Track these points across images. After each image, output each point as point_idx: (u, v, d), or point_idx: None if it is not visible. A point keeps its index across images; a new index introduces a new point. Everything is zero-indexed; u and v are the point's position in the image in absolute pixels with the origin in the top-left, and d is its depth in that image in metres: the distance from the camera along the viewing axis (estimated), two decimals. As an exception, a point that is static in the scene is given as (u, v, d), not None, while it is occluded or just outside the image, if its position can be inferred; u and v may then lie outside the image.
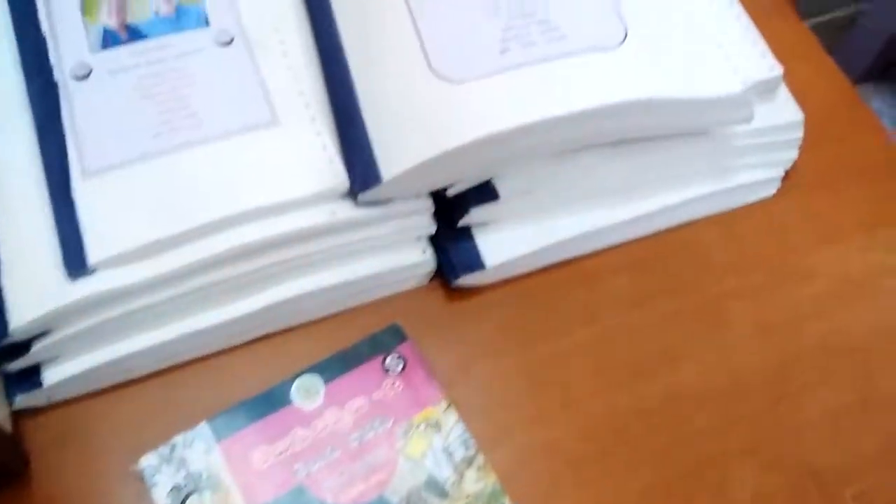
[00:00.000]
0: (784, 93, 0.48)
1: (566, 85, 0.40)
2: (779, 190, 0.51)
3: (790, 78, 0.47)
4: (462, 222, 0.43)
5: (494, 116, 0.38)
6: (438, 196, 0.43)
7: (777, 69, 0.46)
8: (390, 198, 0.41)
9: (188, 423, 0.39)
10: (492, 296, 0.46)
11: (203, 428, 0.39)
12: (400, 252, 0.43)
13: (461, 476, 0.39)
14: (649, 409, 0.43)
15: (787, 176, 0.50)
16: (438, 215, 0.44)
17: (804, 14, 0.62)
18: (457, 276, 0.44)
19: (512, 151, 0.41)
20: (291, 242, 0.40)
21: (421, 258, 0.43)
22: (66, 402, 0.41)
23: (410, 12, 0.42)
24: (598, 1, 0.43)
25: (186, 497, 0.37)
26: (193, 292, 0.39)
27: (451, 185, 0.42)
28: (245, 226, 0.39)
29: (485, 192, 0.42)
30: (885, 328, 0.47)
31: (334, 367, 0.41)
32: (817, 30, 0.62)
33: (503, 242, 0.44)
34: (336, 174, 0.40)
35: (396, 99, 0.40)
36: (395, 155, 0.39)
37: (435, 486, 0.38)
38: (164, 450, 0.38)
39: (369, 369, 0.41)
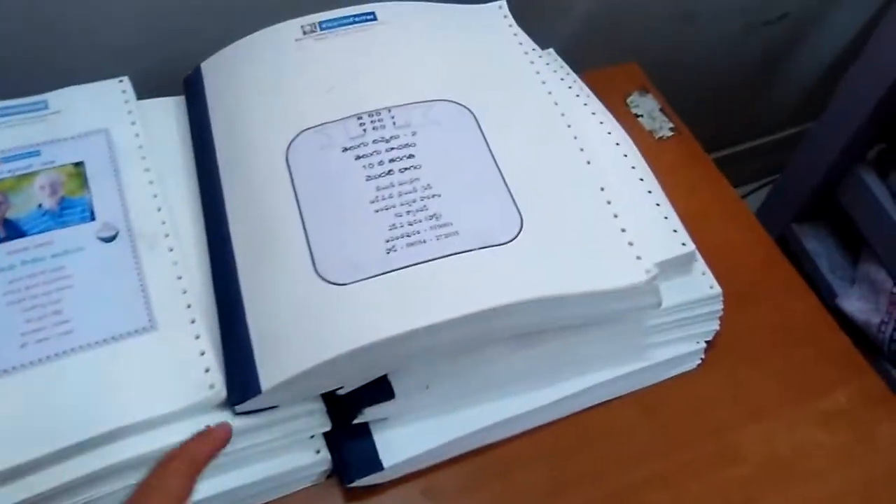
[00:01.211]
0: (700, 266, 0.47)
1: (454, 286, 0.38)
2: (702, 362, 0.48)
3: (714, 239, 0.46)
4: (357, 420, 0.41)
5: (376, 323, 0.37)
6: (331, 396, 0.40)
7: (689, 246, 0.44)
8: (275, 405, 0.38)
9: None
10: (393, 494, 0.42)
11: None
12: (291, 454, 0.40)
13: None
14: None
15: (711, 345, 0.48)
16: (333, 410, 0.41)
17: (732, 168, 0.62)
18: (351, 480, 0.41)
19: (400, 354, 0.39)
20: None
21: (313, 459, 0.41)
22: None
23: (300, 213, 0.41)
24: (492, 192, 0.42)
25: None
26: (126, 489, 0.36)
27: (342, 387, 0.40)
28: (114, 443, 0.36)
29: (379, 390, 0.40)
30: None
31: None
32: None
33: (402, 439, 0.41)
34: (213, 385, 0.38)
35: (281, 302, 0.39)
36: (276, 363, 0.37)
37: None
38: None
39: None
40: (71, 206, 0.42)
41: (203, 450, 0.36)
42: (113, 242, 0.41)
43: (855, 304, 0.75)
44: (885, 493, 0.45)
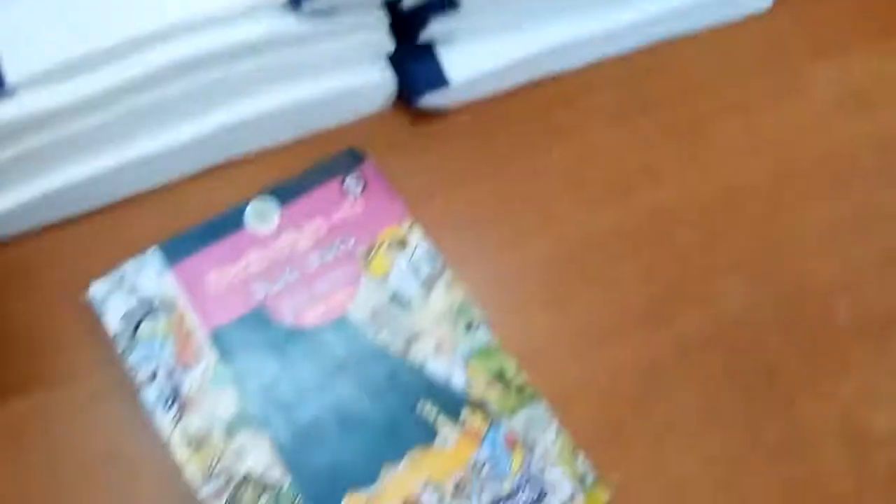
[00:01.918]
0: None
1: None
2: (774, 2, 0.47)
3: None
4: (423, 37, 0.40)
5: None
6: (395, 12, 0.39)
7: None
8: (338, 7, 0.37)
9: (138, 253, 0.37)
10: (459, 119, 0.42)
11: (154, 253, 0.37)
12: (355, 71, 0.40)
13: (428, 291, 0.37)
14: (630, 228, 0.41)
15: None
16: (397, 33, 0.40)
17: None
18: (419, 95, 0.40)
19: None
20: (230, 59, 0.36)
21: (379, 77, 0.40)
22: (9, 241, 0.39)
23: None
24: None
25: (139, 322, 0.36)
26: (127, 115, 0.36)
27: None
28: (176, 40, 0.35)
29: (444, 1, 0.38)
30: (886, 141, 0.44)
31: (289, 190, 0.39)
32: None
33: (468, 58, 0.41)
34: None
35: None
36: None
37: (401, 302, 0.37)
38: (113, 276, 0.36)
39: (327, 191, 0.39)
40: None
41: None
42: None
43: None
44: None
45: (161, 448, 0.34)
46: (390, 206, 0.39)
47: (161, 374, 0.35)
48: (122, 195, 0.40)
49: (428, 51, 0.41)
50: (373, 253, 0.37)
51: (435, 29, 0.40)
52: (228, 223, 0.38)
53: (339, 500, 0.33)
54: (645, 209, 0.41)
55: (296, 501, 0.33)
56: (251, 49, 0.37)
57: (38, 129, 0.35)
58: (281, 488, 0.33)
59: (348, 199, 0.39)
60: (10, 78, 0.34)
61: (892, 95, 0.45)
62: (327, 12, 0.37)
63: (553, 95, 0.44)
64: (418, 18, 0.39)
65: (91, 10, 0.35)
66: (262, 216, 0.38)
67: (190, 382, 0.34)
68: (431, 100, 0.41)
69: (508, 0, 0.40)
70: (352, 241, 0.38)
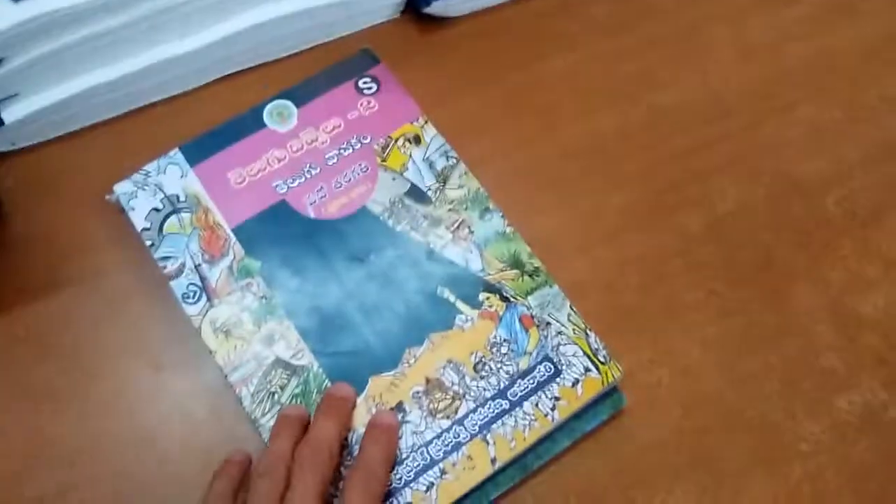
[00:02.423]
0: None
1: None
2: None
3: None
4: None
5: None
6: None
7: None
8: None
9: (161, 154, 0.38)
10: (466, 27, 0.44)
11: (175, 154, 0.38)
12: None
13: (444, 183, 0.38)
14: (630, 131, 0.43)
15: None
16: None
17: None
18: (427, 2, 0.42)
19: None
20: None
21: None
22: (33, 148, 0.40)
23: None
24: None
25: (165, 218, 0.37)
26: (146, 19, 0.37)
27: None
28: None
29: None
30: (870, 44, 0.46)
31: (306, 92, 0.40)
32: None
33: None
34: None
35: None
36: None
37: (417, 194, 0.38)
38: (137, 177, 0.37)
39: (342, 92, 0.40)
40: None
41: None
42: None
43: None
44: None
45: (186, 339, 0.35)
46: (404, 104, 0.40)
47: (188, 267, 0.36)
48: (142, 102, 0.40)
49: None
50: (389, 148, 0.39)
51: None
52: (248, 124, 0.39)
53: (365, 383, 0.35)
54: (643, 113, 0.43)
55: (324, 385, 0.35)
56: None
57: (61, 28, 0.36)
58: (310, 371, 0.35)
59: (363, 98, 0.40)
60: None
61: (874, 2, 0.47)
62: None
63: (553, 4, 0.45)
64: None
65: None
66: (280, 116, 0.39)
67: (217, 274, 0.36)
68: (438, 7, 0.42)
69: None
70: (368, 138, 0.39)
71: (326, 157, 0.39)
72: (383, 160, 0.39)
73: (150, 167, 0.38)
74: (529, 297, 0.36)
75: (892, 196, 0.42)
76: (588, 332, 0.36)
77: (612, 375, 0.35)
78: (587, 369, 0.35)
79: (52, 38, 0.36)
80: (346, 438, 0.33)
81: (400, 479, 0.33)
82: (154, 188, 0.37)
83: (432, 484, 0.33)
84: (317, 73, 0.40)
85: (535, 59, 0.44)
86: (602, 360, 0.35)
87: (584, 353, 0.35)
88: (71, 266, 0.38)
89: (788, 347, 0.38)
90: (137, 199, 0.37)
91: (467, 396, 0.34)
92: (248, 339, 0.35)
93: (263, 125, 0.39)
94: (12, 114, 0.38)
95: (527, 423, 0.34)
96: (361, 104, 0.40)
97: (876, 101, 0.45)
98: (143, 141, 0.39)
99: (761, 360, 0.38)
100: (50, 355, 0.36)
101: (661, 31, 0.45)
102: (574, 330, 0.36)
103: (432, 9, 0.42)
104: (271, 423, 0.33)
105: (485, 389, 0.34)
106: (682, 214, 0.41)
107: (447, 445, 0.33)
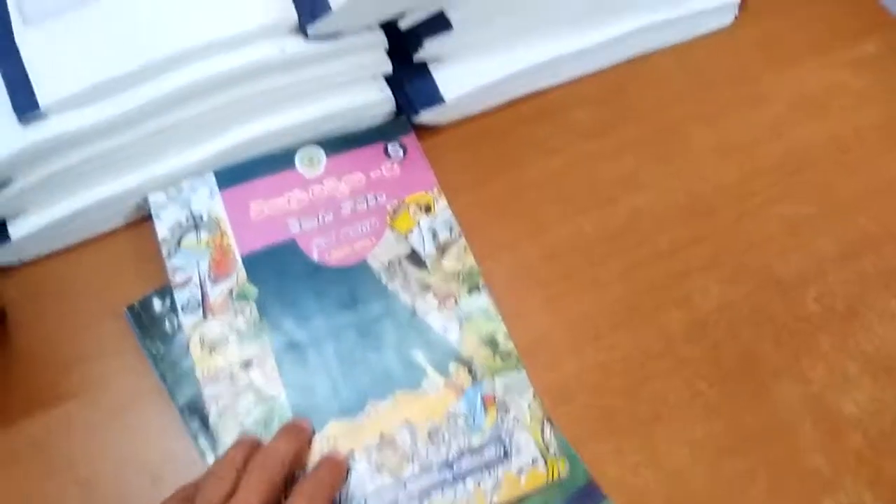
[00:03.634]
0: None
1: None
2: (736, 18, 0.51)
3: None
4: (417, 57, 0.43)
5: None
6: (392, 35, 0.42)
7: None
8: (341, 31, 0.40)
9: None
10: (454, 134, 0.46)
11: (209, 177, 0.41)
12: (356, 90, 0.43)
13: (442, 253, 0.41)
14: (613, 233, 0.44)
15: (745, 4, 0.51)
16: (394, 55, 0.43)
17: None
18: (416, 112, 0.44)
19: None
20: (243, 79, 0.39)
21: (379, 96, 0.43)
22: (36, 260, 0.42)
23: None
24: None
25: (186, 233, 0.40)
26: (151, 135, 0.39)
27: (403, 17, 0.41)
28: (194, 62, 0.38)
29: (437, 23, 0.42)
30: (841, 141, 0.48)
31: (339, 143, 0.43)
32: None
33: (460, 76, 0.44)
34: (284, 6, 0.39)
35: None
36: None
37: (416, 259, 0.40)
38: (171, 190, 0.41)
39: (372, 151, 0.43)
40: None
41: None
42: None
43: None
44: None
45: (185, 452, 0.36)
46: (423, 174, 0.43)
47: (194, 282, 0.39)
48: (147, 212, 0.41)
49: (423, 70, 0.44)
50: (399, 211, 0.41)
51: (429, 49, 0.43)
52: (279, 161, 0.42)
53: (324, 425, 0.36)
54: (625, 214, 0.45)
55: (286, 417, 0.36)
56: (262, 70, 0.39)
57: (68, 148, 0.38)
58: (276, 401, 0.37)
59: (388, 161, 0.43)
60: (43, 101, 0.37)
61: (842, 100, 0.49)
62: (332, 35, 0.40)
63: (537, 110, 0.47)
64: (414, 39, 0.42)
65: (115, 36, 0.38)
66: (310, 161, 0.42)
67: (218, 293, 0.39)
68: (427, 116, 0.44)
69: (495, 22, 0.44)
70: (383, 197, 0.42)
71: (342, 206, 0.41)
72: (392, 220, 0.41)
73: (185, 184, 0.41)
74: (496, 378, 0.38)
75: (868, 291, 0.43)
76: (546, 423, 0.37)
77: (558, 472, 0.36)
78: (534, 460, 0.36)
79: (60, 158, 0.38)
80: (296, 472, 0.35)
81: (332, 523, 0.34)
82: (183, 203, 0.41)
83: (360, 535, 0.34)
84: (354, 130, 0.43)
85: (519, 164, 0.46)
86: (553, 454, 0.36)
87: (536, 443, 0.36)
88: (72, 377, 0.39)
89: (774, 448, 0.39)
90: (167, 210, 0.40)
91: (415, 459, 0.36)
92: (229, 360, 0.37)
93: (293, 166, 0.42)
94: (19, 230, 0.40)
95: (465, 499, 0.35)
96: (385, 166, 0.43)
97: (847, 197, 0.46)
98: (147, 250, 0.41)
99: (747, 461, 0.39)
100: (52, 468, 0.38)
101: (641, 133, 0.47)
102: (531, 419, 0.37)
103: (421, 118, 0.44)
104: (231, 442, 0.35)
105: (433, 457, 0.36)
106: (665, 314, 0.42)
107: (384, 502, 0.35)
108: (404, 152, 0.43)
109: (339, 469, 0.35)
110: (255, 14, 0.39)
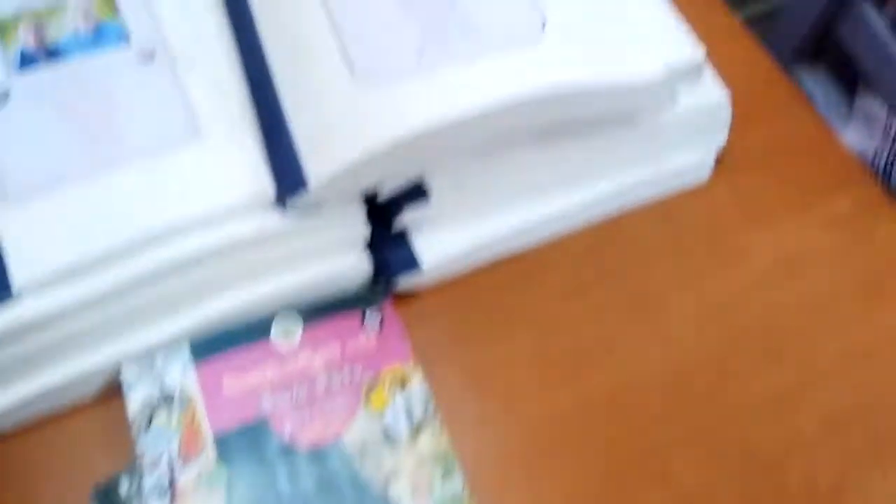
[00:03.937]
0: (709, 75, 0.49)
1: (485, 79, 0.40)
2: (712, 174, 0.52)
3: (717, 61, 0.47)
4: (397, 226, 0.44)
5: (415, 115, 0.39)
6: (370, 201, 0.43)
7: (700, 50, 0.45)
8: (320, 205, 0.41)
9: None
10: (431, 300, 0.46)
11: (183, 348, 0.41)
12: (333, 259, 0.43)
13: (417, 433, 0.40)
14: (591, 406, 0.43)
15: (720, 160, 0.52)
16: (372, 221, 0.44)
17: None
18: (394, 277, 0.44)
19: (437, 149, 0.40)
20: (221, 255, 0.40)
21: (356, 263, 0.44)
22: (3, 438, 0.41)
23: (330, 16, 0.42)
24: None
25: (156, 410, 0.39)
26: (125, 312, 0.39)
27: (382, 190, 0.42)
28: (171, 241, 0.39)
29: (416, 193, 0.43)
30: (821, 304, 0.48)
31: (315, 311, 0.43)
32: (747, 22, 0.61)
33: (438, 243, 0.45)
34: (261, 182, 0.40)
35: (321, 106, 0.40)
36: (320, 160, 0.39)
37: (390, 439, 0.40)
38: (144, 363, 0.40)
39: (348, 320, 0.43)
40: (105, 30, 0.43)
41: None
42: (151, 62, 0.42)
43: (851, 137, 0.78)
44: (885, 282, 0.49)
45: None
46: (399, 344, 0.43)
47: (163, 463, 0.39)
48: (119, 384, 0.41)
49: (401, 237, 0.45)
50: (374, 387, 0.41)
51: (408, 218, 0.44)
52: (255, 332, 0.42)
53: None
54: (602, 385, 0.44)
55: None
56: (239, 246, 0.40)
57: (41, 328, 0.38)
58: None
59: (365, 330, 0.42)
60: (18, 282, 0.37)
61: (819, 260, 0.49)
62: (310, 209, 0.41)
63: (514, 273, 0.48)
64: (393, 208, 0.43)
65: (90, 214, 0.39)
66: (286, 331, 0.42)
67: (187, 476, 0.38)
68: (404, 282, 0.45)
69: (472, 191, 0.45)
70: (359, 371, 0.42)
71: (317, 382, 0.42)
72: (367, 398, 0.41)
73: (159, 354, 0.41)
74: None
75: (851, 468, 0.42)
76: None
77: None
78: None
79: (31, 338, 0.38)
80: None
81: None
82: (156, 376, 0.40)
83: None
84: (331, 296, 0.43)
85: (496, 333, 0.45)
86: None
87: None
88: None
89: None
90: (138, 385, 0.40)
91: None
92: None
93: (268, 336, 0.42)
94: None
95: None
96: (362, 336, 0.43)
97: (828, 363, 0.46)
98: (118, 425, 0.40)
99: None
100: None
101: (619, 295, 0.48)
102: None
103: (399, 284, 0.46)
104: None
105: None
106: (643, 493, 0.41)
107: None
108: (381, 321, 0.43)
109: None
110: (231, 190, 0.40)
